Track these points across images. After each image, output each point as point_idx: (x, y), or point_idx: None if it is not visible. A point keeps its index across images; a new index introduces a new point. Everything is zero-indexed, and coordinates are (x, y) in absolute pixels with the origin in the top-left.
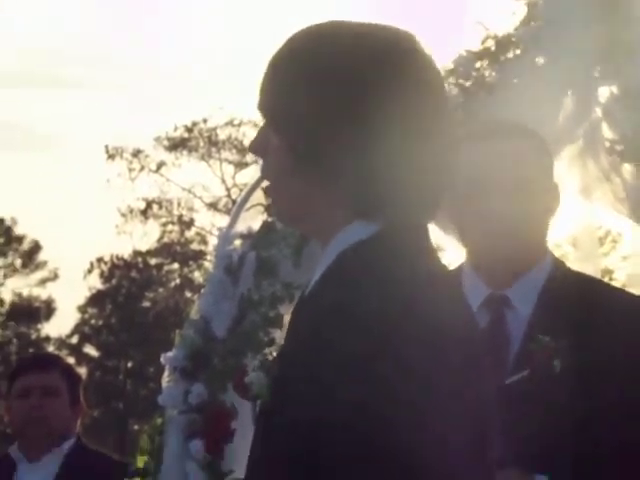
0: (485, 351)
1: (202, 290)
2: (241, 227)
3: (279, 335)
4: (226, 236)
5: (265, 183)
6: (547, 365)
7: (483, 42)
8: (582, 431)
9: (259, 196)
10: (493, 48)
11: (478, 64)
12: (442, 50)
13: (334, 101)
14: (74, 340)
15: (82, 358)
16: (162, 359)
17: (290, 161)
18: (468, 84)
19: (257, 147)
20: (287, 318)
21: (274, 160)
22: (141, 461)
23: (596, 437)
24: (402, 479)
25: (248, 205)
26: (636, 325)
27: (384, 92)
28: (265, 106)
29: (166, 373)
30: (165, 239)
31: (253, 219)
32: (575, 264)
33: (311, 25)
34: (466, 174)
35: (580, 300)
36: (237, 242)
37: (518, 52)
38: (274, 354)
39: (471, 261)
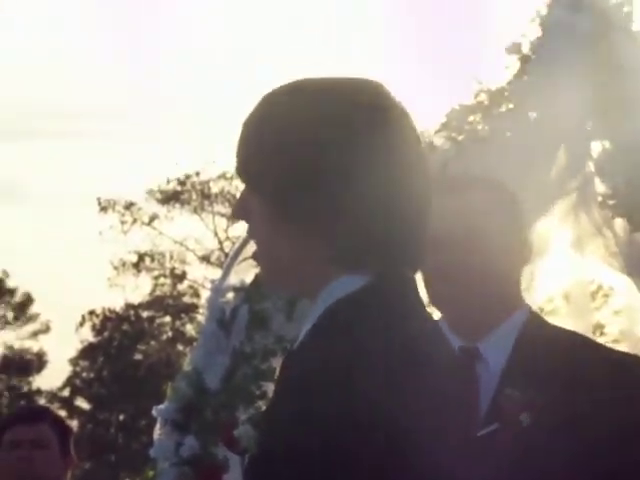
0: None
1: (194, 343)
2: (234, 280)
3: (271, 388)
4: (219, 289)
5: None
6: (515, 419)
7: (476, 96)
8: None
9: (252, 249)
10: (486, 102)
11: (471, 118)
12: (435, 104)
13: (310, 160)
14: (65, 393)
15: (73, 411)
16: (154, 411)
17: (272, 223)
18: (461, 138)
19: (239, 211)
20: None
21: (257, 223)
22: None
23: None
24: None
25: (240, 258)
26: (611, 381)
27: (361, 148)
28: (243, 169)
29: (158, 426)
30: (157, 292)
31: (245, 272)
32: (567, 318)
33: (282, 85)
34: (431, 226)
35: (553, 354)
36: (230, 295)
37: (511, 106)
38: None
39: (443, 315)
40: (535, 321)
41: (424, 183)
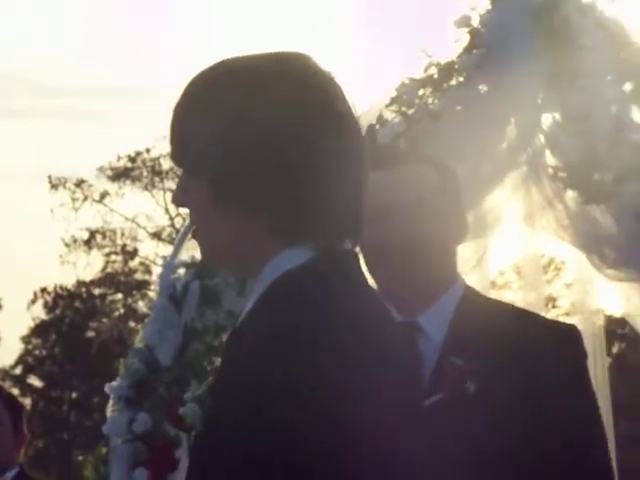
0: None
1: (146, 320)
2: (185, 256)
3: None
4: (170, 265)
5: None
6: (460, 387)
7: (426, 69)
8: (500, 452)
9: None
10: (436, 76)
11: (421, 91)
12: (384, 78)
13: (247, 141)
14: (18, 371)
15: (26, 389)
16: (106, 388)
17: (211, 206)
18: (411, 112)
19: (179, 197)
20: None
21: (197, 205)
22: None
23: (513, 457)
24: None
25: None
26: (547, 348)
27: (293, 123)
28: (179, 154)
29: (110, 402)
30: (109, 269)
31: (196, 248)
32: (518, 292)
33: (206, 68)
34: (367, 201)
35: (490, 325)
36: (181, 271)
37: (461, 79)
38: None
39: (380, 289)
40: (471, 295)
41: (360, 155)
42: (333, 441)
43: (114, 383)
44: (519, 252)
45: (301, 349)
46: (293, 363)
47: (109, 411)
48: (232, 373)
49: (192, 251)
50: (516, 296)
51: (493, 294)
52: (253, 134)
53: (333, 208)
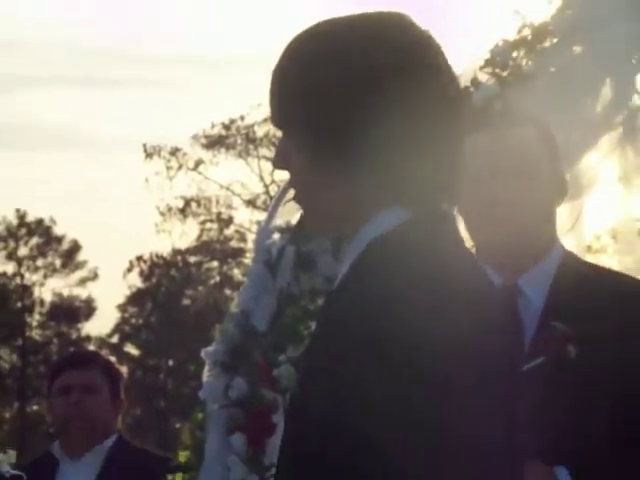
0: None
1: (242, 286)
2: (279, 221)
3: None
4: (264, 230)
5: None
6: (562, 351)
7: (519, 31)
8: (599, 418)
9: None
10: (530, 37)
11: (515, 53)
12: (479, 40)
13: (345, 102)
14: (115, 339)
15: (123, 357)
16: (202, 354)
17: (310, 167)
18: (505, 74)
19: (279, 160)
20: None
21: (297, 169)
22: (183, 456)
23: (615, 422)
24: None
25: (286, 199)
26: None
27: (392, 86)
28: (280, 117)
29: (207, 368)
30: (204, 237)
31: (291, 213)
32: (614, 256)
33: (305, 29)
34: (470, 164)
35: (591, 290)
36: (276, 236)
37: (555, 41)
38: None
39: (480, 252)
40: (571, 259)
41: (459, 117)
42: (443, 410)
43: (210, 348)
44: (615, 215)
45: (395, 315)
46: (392, 328)
47: (205, 376)
48: (328, 336)
49: (287, 216)
50: (612, 260)
51: (589, 258)
52: (350, 97)
53: (430, 170)
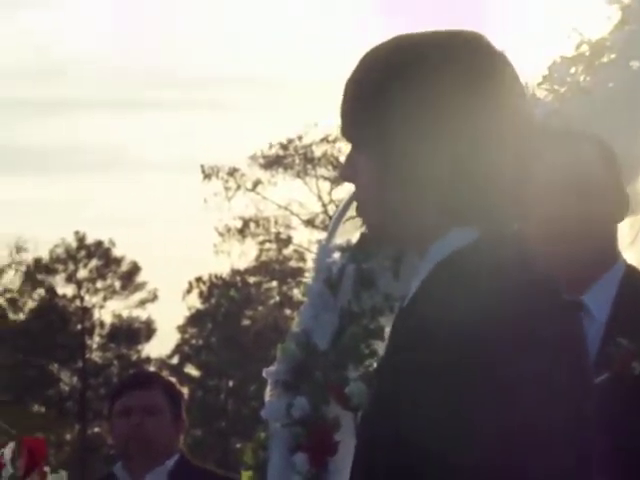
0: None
1: (301, 306)
2: (339, 240)
3: (380, 347)
4: (325, 249)
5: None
6: (627, 367)
7: (577, 47)
8: None
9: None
10: (587, 53)
11: (573, 69)
12: (537, 56)
13: (416, 115)
14: (175, 360)
15: (183, 378)
16: (264, 373)
17: (382, 178)
18: (563, 90)
19: (347, 173)
20: (388, 330)
21: (365, 181)
22: (246, 476)
23: None
24: None
25: (346, 218)
26: None
27: (467, 102)
28: (350, 129)
29: (268, 387)
30: (263, 257)
31: (351, 232)
32: None
33: (382, 42)
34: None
35: None
36: (336, 255)
37: (613, 56)
38: (375, 365)
39: None
40: (633, 273)
41: (527, 135)
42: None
43: (271, 368)
44: None
45: (469, 331)
46: (463, 343)
47: (267, 396)
48: (403, 350)
49: (347, 235)
50: None
51: None
52: (422, 110)
53: (500, 187)
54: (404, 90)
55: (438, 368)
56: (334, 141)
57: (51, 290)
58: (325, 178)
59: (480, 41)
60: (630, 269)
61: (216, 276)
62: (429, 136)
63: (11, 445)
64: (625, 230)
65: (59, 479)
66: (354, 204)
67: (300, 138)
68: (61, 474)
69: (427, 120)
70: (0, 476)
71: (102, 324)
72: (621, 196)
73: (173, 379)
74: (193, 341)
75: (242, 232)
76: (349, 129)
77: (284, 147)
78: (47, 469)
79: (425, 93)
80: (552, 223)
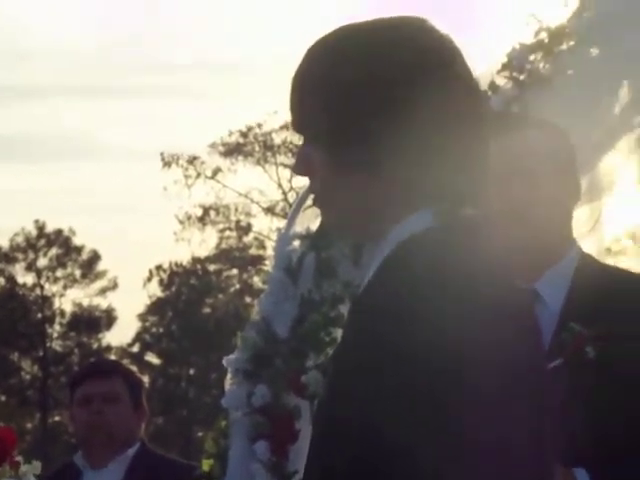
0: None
1: (262, 294)
2: (299, 228)
3: (340, 335)
4: (284, 237)
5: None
6: (580, 352)
7: (536, 35)
8: (618, 419)
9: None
10: (546, 40)
11: (532, 57)
12: (495, 44)
13: (367, 106)
14: (135, 349)
15: (144, 366)
16: (224, 361)
17: (334, 172)
18: (522, 77)
19: (301, 167)
20: None
21: (317, 173)
22: (207, 464)
23: (632, 425)
24: None
25: (305, 206)
26: None
27: (417, 90)
28: (302, 123)
29: (229, 376)
30: (223, 245)
31: (311, 220)
32: (634, 258)
33: (325, 34)
34: None
35: (609, 291)
36: (296, 243)
37: (572, 44)
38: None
39: None
40: (588, 260)
41: (481, 121)
42: (472, 417)
43: (231, 356)
44: (634, 217)
45: (418, 318)
46: (412, 330)
47: (227, 384)
48: (355, 339)
49: (306, 223)
50: (632, 262)
51: (609, 260)
52: (372, 100)
53: (457, 171)
54: (355, 79)
55: (380, 360)
56: None
57: (11, 279)
58: (285, 166)
59: (426, 27)
60: (584, 256)
61: (176, 264)
62: (384, 123)
63: None
64: (584, 218)
65: (33, 469)
66: None
67: (260, 126)
68: (34, 465)
69: (382, 107)
70: None
71: (62, 313)
72: (571, 184)
73: (134, 367)
74: (154, 329)
75: (202, 220)
76: (299, 122)
77: (244, 135)
78: (20, 459)
79: (378, 82)
80: (504, 207)
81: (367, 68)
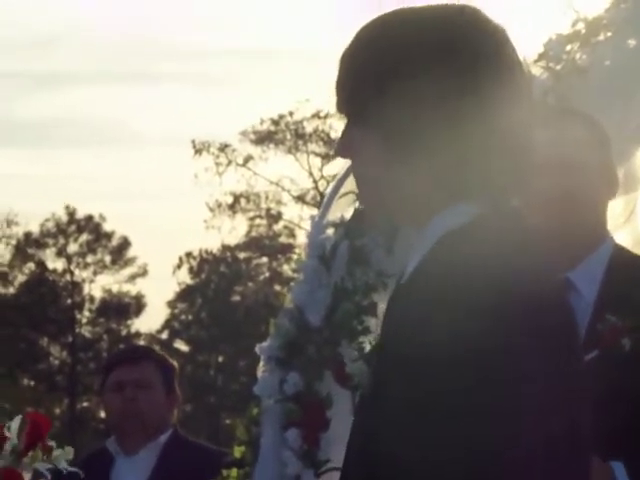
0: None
1: (292, 283)
2: (333, 216)
3: (373, 323)
4: (318, 225)
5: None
6: (616, 344)
7: (573, 25)
8: None
9: (350, 185)
10: (584, 31)
11: (569, 47)
12: (532, 34)
13: (415, 91)
14: (164, 335)
15: (172, 353)
16: (257, 349)
17: (381, 153)
18: (559, 67)
19: (344, 148)
20: (381, 306)
21: (364, 156)
22: (238, 451)
23: None
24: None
25: (339, 194)
26: None
27: (466, 78)
28: (347, 104)
29: (261, 363)
30: (253, 233)
31: (344, 208)
32: None
33: (375, 17)
34: None
35: None
36: (329, 231)
37: (609, 34)
38: (369, 342)
39: None
40: (621, 251)
41: (527, 111)
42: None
43: (264, 344)
44: None
45: (467, 314)
46: (461, 321)
47: (260, 372)
48: (403, 330)
49: (341, 211)
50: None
51: None
52: (421, 86)
53: (500, 164)
54: (404, 75)
55: (432, 348)
56: (325, 117)
57: (41, 264)
58: (316, 154)
59: (478, 16)
60: (618, 248)
61: (206, 251)
62: (433, 118)
63: (17, 419)
64: (619, 209)
65: (65, 455)
66: (348, 180)
67: (291, 114)
68: (67, 450)
69: (429, 99)
70: (2, 449)
71: (92, 299)
72: (609, 175)
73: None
74: (183, 316)
75: (233, 208)
76: (347, 104)
77: (275, 123)
78: (53, 444)
79: (429, 74)
80: (544, 199)
81: (419, 55)
